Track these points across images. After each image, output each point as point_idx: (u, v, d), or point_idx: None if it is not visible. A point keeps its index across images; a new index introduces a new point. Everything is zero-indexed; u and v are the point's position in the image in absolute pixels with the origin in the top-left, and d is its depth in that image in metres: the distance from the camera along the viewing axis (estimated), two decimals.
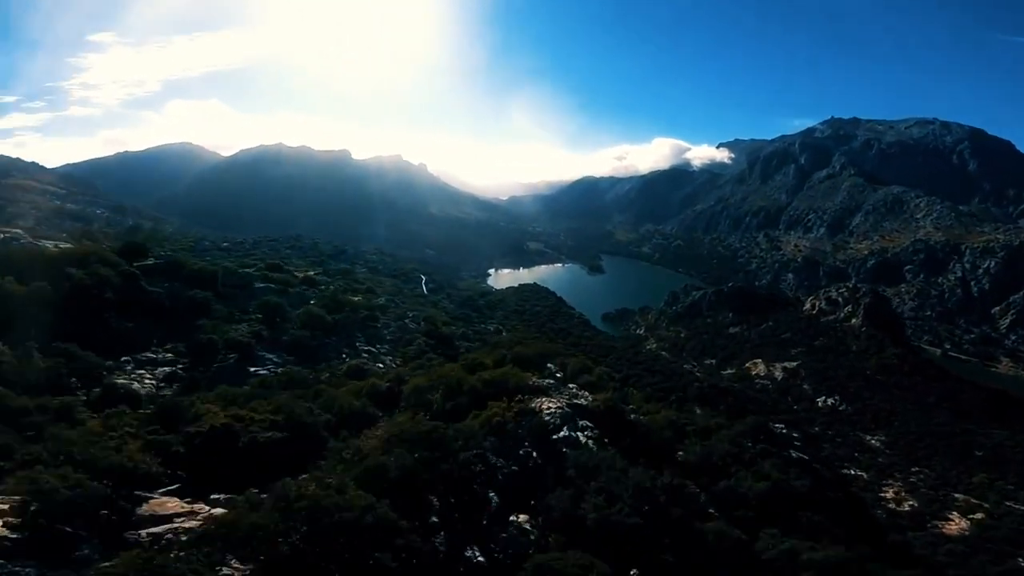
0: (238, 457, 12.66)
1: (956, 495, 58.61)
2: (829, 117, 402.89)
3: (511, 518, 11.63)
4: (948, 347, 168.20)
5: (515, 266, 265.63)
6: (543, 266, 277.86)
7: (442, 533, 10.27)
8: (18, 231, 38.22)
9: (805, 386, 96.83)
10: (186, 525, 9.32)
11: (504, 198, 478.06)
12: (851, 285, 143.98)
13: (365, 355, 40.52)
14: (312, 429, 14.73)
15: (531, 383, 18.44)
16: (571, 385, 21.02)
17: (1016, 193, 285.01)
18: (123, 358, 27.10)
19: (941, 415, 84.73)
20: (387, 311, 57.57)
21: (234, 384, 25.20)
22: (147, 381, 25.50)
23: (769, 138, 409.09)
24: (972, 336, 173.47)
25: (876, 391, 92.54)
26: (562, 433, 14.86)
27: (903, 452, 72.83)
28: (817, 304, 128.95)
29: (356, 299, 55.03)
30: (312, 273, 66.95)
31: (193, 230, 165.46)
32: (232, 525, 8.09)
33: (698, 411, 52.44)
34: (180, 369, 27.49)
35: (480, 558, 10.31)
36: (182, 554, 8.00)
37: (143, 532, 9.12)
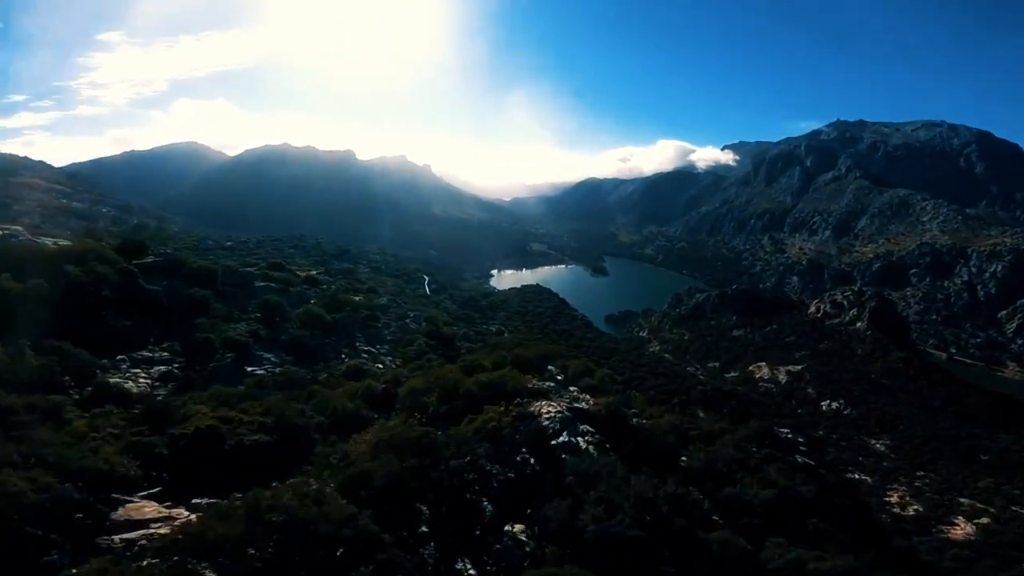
0: (224, 460, 12.23)
1: (961, 500, 58.14)
2: (835, 119, 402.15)
3: (506, 528, 11.12)
4: (954, 351, 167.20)
5: (518, 267, 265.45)
6: (546, 267, 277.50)
7: (432, 544, 9.76)
8: (17, 228, 37.93)
9: (809, 389, 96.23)
10: (162, 531, 8.90)
11: (507, 199, 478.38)
12: (856, 288, 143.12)
13: (365, 355, 40.12)
14: (303, 432, 14.29)
15: (530, 386, 17.93)
16: (572, 388, 20.50)
17: None
18: (119, 357, 26.73)
19: (946, 419, 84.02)
20: (388, 311, 57.17)
21: (230, 384, 24.81)
22: (142, 380, 25.11)
23: (774, 140, 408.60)
24: (978, 340, 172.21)
25: (881, 395, 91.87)
26: (561, 438, 14.28)
27: (908, 456, 72.24)
28: (822, 307, 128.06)
29: (357, 299, 54.66)
30: (314, 272, 66.70)
31: (198, 229, 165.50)
32: (198, 535, 7.65)
33: (701, 414, 51.93)
34: (176, 368, 27.10)
35: (471, 571, 9.83)
36: (154, 562, 7.57)
37: (116, 538, 8.72)
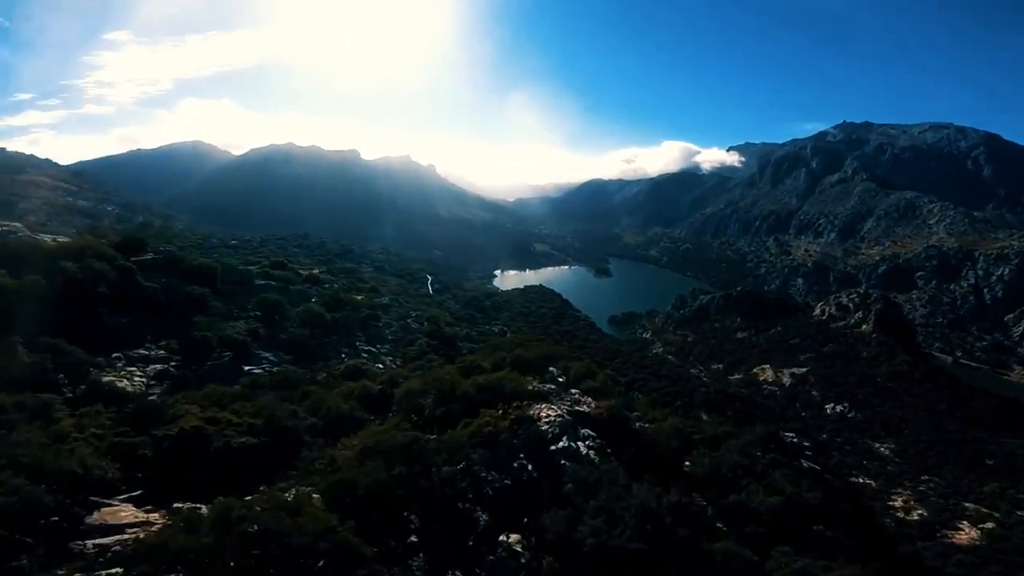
0: (210, 462, 11.82)
1: (967, 504, 57.68)
2: (841, 121, 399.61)
3: (501, 538, 10.61)
4: (959, 354, 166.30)
5: (521, 268, 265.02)
6: (549, 268, 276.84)
7: (421, 555, 9.29)
8: (16, 225, 37.69)
9: (814, 392, 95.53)
10: (140, 536, 8.46)
11: (511, 199, 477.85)
12: (862, 291, 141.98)
13: (365, 355, 39.74)
14: (293, 434, 13.87)
15: (530, 388, 17.45)
16: (573, 390, 20.01)
17: None
18: (114, 354, 26.41)
19: (952, 423, 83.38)
20: (390, 310, 56.81)
21: (226, 383, 24.46)
22: (137, 379, 24.76)
23: (780, 142, 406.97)
24: (984, 344, 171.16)
25: (886, 398, 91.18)
26: (561, 443, 13.76)
27: (913, 460, 71.68)
28: (827, 310, 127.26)
29: (359, 298, 54.29)
30: (316, 271, 66.39)
31: (203, 228, 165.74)
32: (160, 546, 7.21)
33: (705, 417, 51.43)
34: (172, 367, 26.75)
35: None
36: (118, 571, 7.15)
37: (90, 543, 8.32)
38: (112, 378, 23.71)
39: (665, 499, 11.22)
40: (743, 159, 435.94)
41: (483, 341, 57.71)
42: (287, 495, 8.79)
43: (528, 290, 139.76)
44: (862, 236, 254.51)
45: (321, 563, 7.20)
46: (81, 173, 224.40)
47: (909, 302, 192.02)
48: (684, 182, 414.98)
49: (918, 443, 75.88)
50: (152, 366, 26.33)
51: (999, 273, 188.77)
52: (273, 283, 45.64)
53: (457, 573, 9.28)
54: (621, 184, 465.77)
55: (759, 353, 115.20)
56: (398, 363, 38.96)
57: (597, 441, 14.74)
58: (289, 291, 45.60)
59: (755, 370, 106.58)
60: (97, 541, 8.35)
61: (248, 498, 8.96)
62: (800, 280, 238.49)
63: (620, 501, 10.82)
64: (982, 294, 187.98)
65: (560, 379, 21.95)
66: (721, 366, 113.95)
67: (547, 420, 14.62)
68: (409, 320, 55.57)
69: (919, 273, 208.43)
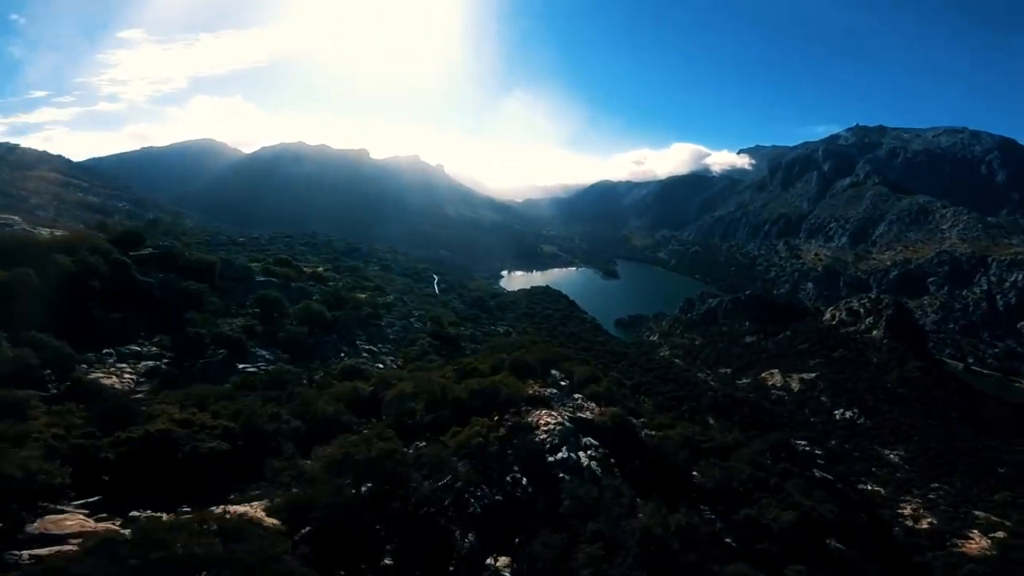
0: (177, 468, 10.97)
1: (977, 513, 56.71)
2: (854, 124, 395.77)
3: (488, 561, 9.60)
4: (971, 361, 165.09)
5: (528, 268, 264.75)
6: (557, 269, 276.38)
7: None
8: (14, 218, 37.10)
9: (823, 398, 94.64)
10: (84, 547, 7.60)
11: (520, 200, 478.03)
12: (873, 296, 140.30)
13: (365, 354, 38.92)
14: (272, 439, 13.01)
15: (530, 393, 16.47)
16: (576, 395, 19.03)
17: None
18: (105, 350, 25.66)
19: (962, 430, 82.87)
20: (392, 309, 56.02)
21: (217, 382, 23.70)
22: (127, 375, 23.97)
23: (791, 144, 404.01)
24: (996, 350, 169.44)
25: (896, 405, 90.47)
26: (560, 454, 12.70)
27: (922, 468, 70.91)
28: (837, 315, 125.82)
29: (361, 296, 53.53)
30: (321, 269, 65.72)
31: (212, 225, 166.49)
32: (58, 571, 6.35)
33: (712, 422, 50.40)
34: (164, 364, 25.96)
35: None
36: None
37: (26, 553, 7.48)
38: (100, 375, 22.96)
39: (672, 521, 10.18)
40: (753, 162, 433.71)
41: (487, 342, 56.84)
42: (231, 513, 7.86)
43: (534, 291, 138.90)
44: (873, 241, 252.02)
45: None
46: (93, 170, 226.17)
47: (920, 308, 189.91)
48: (693, 184, 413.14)
49: (928, 450, 75.27)
50: (143, 363, 25.54)
51: (1012, 279, 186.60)
52: (274, 280, 44.87)
53: None
54: (630, 186, 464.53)
55: (768, 358, 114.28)
56: (399, 363, 38.12)
57: (600, 451, 13.73)
58: (290, 288, 44.78)
59: (763, 375, 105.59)
60: (35, 552, 7.53)
61: (187, 515, 8.08)
62: (810, 284, 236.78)
63: (622, 523, 9.78)
64: (995, 300, 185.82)
65: (563, 383, 20.99)
66: (729, 370, 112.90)
67: (546, 428, 13.62)
68: (412, 319, 54.77)
69: (931, 279, 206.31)
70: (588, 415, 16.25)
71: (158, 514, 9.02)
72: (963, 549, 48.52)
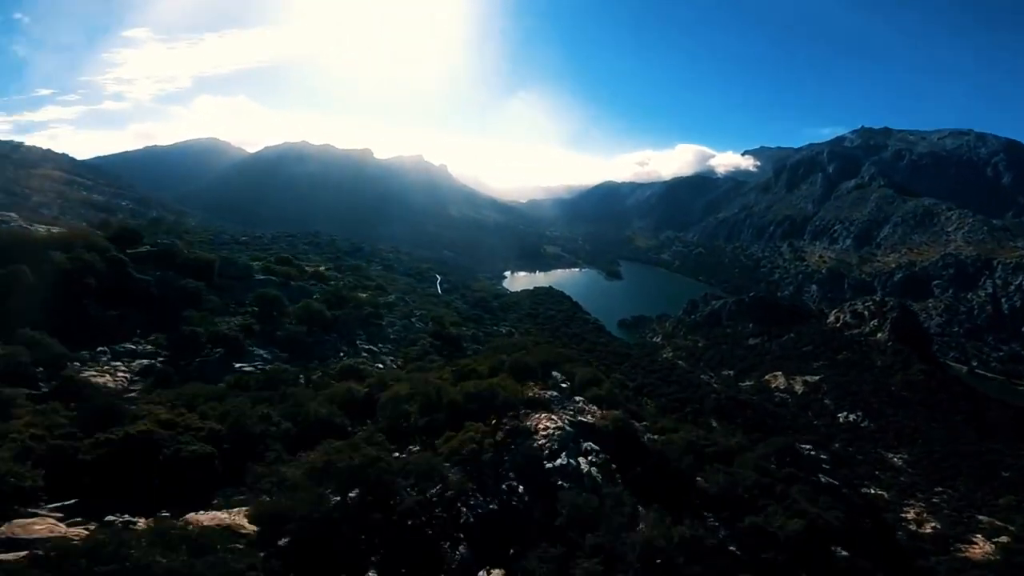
0: (159, 471, 10.55)
1: (981, 517, 56.52)
2: (859, 126, 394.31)
3: (481, 574, 9.08)
4: (975, 364, 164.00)
5: (531, 269, 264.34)
6: (560, 270, 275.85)
7: None
8: (11, 215, 36.85)
9: (826, 401, 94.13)
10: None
11: (523, 201, 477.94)
12: (878, 299, 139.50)
13: (365, 354, 38.51)
14: (260, 441, 12.58)
15: (530, 395, 15.98)
16: (578, 398, 18.51)
17: None
18: (99, 348, 25.32)
19: (967, 434, 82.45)
20: (394, 309, 55.59)
21: (212, 381, 23.34)
22: (120, 374, 23.61)
23: (796, 146, 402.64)
24: (1001, 354, 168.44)
25: (900, 408, 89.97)
26: (559, 460, 12.17)
27: (926, 471, 70.67)
28: (842, 317, 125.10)
29: (363, 296, 53.14)
30: (323, 268, 65.35)
31: (216, 224, 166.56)
32: None
33: (715, 424, 49.90)
34: (159, 362, 25.60)
35: None
36: None
37: None
38: (93, 373, 22.62)
39: (675, 532, 9.67)
40: (758, 163, 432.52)
41: (489, 342, 56.40)
42: (194, 524, 7.41)
43: (537, 292, 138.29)
44: (878, 243, 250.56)
45: None
46: (97, 168, 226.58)
47: (925, 311, 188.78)
48: (698, 186, 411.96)
49: (932, 454, 74.86)
50: (138, 361, 25.18)
51: (1018, 282, 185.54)
52: (273, 278, 44.52)
53: None
54: (634, 187, 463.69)
55: (771, 360, 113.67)
56: (399, 363, 37.73)
57: (601, 456, 13.21)
58: (290, 287, 44.43)
59: (767, 377, 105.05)
60: (1, 556, 7.12)
61: (148, 523, 7.64)
62: (814, 287, 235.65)
63: (622, 535, 9.26)
64: (1000, 304, 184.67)
65: (564, 385, 20.50)
66: (732, 372, 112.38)
67: (545, 433, 13.13)
68: (413, 319, 54.34)
69: (936, 281, 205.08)
70: (589, 419, 15.76)
71: (135, 519, 8.62)
72: (967, 554, 48.17)
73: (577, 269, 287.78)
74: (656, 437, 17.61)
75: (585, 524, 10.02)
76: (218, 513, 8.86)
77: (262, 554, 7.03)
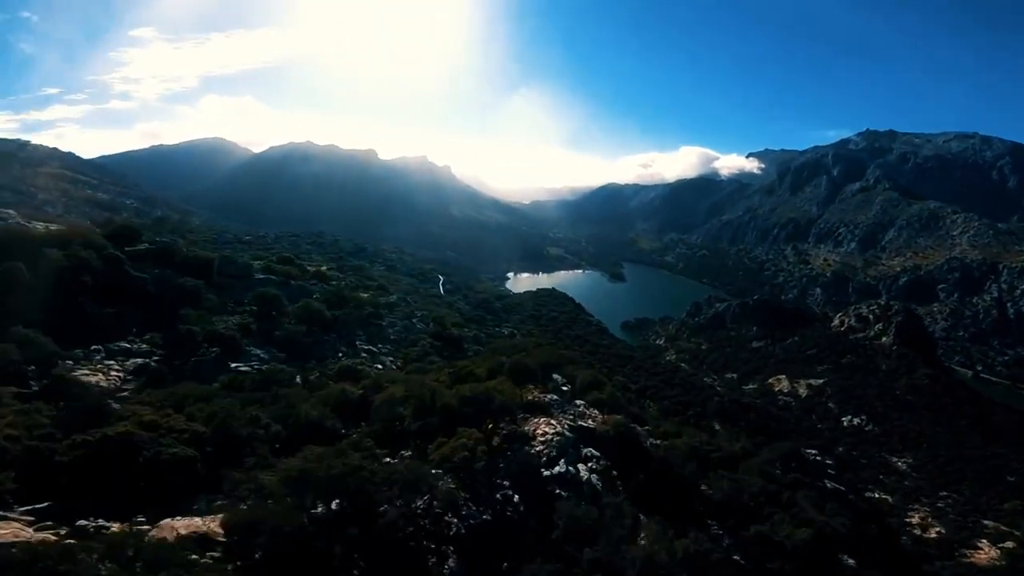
0: (138, 474, 10.13)
1: (986, 522, 56.37)
2: (864, 129, 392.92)
3: None
4: (980, 368, 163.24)
5: (534, 271, 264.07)
6: (563, 272, 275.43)
7: None
8: (10, 212, 36.64)
9: (830, 404, 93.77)
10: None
11: (527, 202, 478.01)
12: (883, 302, 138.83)
13: (365, 355, 38.07)
14: (246, 444, 12.15)
15: (529, 399, 15.51)
16: (579, 402, 18.02)
17: None
18: (93, 347, 24.94)
19: (971, 438, 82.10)
20: (395, 309, 55.16)
21: (207, 381, 22.95)
22: (113, 373, 23.22)
23: (800, 148, 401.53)
24: (1006, 358, 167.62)
25: (905, 412, 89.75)
26: (557, 468, 11.66)
27: (931, 476, 70.52)
28: (846, 321, 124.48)
29: (363, 295, 52.74)
30: (325, 268, 64.96)
31: (220, 224, 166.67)
32: None
33: (718, 428, 49.38)
34: (154, 362, 25.22)
35: None
36: None
37: None
38: (85, 372, 22.24)
39: (679, 546, 9.15)
40: (762, 166, 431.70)
41: (490, 343, 55.96)
42: (153, 537, 6.97)
43: (540, 293, 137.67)
44: (883, 246, 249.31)
45: None
46: (103, 167, 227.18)
47: (930, 315, 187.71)
48: (702, 188, 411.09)
49: (936, 458, 74.67)
50: (132, 360, 24.78)
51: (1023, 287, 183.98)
52: (273, 277, 44.13)
53: None
54: (637, 189, 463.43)
55: (775, 363, 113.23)
56: (399, 364, 37.31)
57: (602, 463, 12.71)
58: (290, 286, 44.03)
59: (770, 380, 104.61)
60: None
61: (122, 528, 7.19)
62: (818, 290, 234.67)
63: (622, 548, 8.75)
64: (1005, 308, 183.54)
65: (565, 388, 20.03)
66: (735, 375, 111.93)
67: (543, 439, 12.64)
68: (414, 320, 53.90)
69: (941, 285, 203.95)
70: (590, 423, 15.27)
71: (109, 523, 8.21)
72: (972, 559, 47.87)
73: (580, 271, 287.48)
74: (659, 442, 17.13)
75: (583, 537, 9.48)
76: (195, 519, 8.46)
77: (230, 567, 6.61)
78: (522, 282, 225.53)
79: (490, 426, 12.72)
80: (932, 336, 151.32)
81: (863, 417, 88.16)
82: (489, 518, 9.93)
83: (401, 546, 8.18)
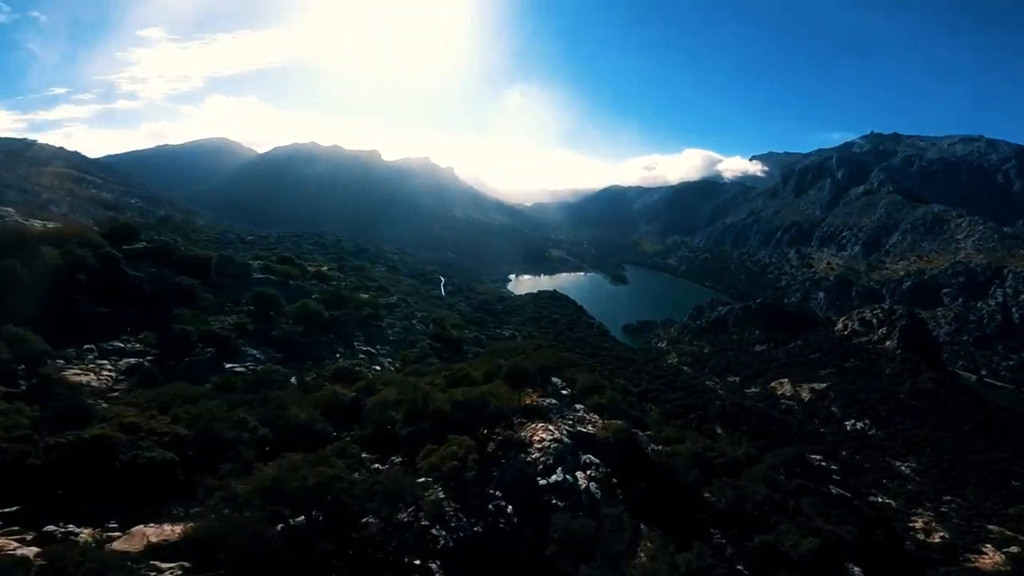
0: (115, 478, 9.72)
1: (990, 527, 55.79)
2: (869, 132, 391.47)
3: None
4: (984, 373, 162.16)
5: (536, 272, 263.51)
6: (565, 274, 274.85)
7: None
8: (8, 209, 36.37)
9: (833, 408, 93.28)
10: None
11: (529, 204, 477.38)
12: (886, 306, 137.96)
13: (363, 356, 37.68)
14: (231, 447, 11.73)
15: (527, 403, 15.03)
16: (578, 406, 17.52)
17: None
18: (86, 346, 24.57)
19: (975, 442, 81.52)
20: (394, 310, 54.78)
21: (200, 381, 22.57)
22: (105, 373, 22.85)
23: (804, 151, 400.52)
24: (1010, 363, 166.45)
25: (908, 416, 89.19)
26: (554, 476, 11.14)
27: (934, 480, 69.93)
28: (850, 324, 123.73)
29: (363, 296, 52.35)
30: (325, 268, 64.67)
31: (224, 223, 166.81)
32: None
33: (719, 431, 48.91)
34: (147, 362, 24.83)
35: None
36: None
37: None
38: (77, 371, 21.87)
39: (681, 561, 8.66)
40: (766, 168, 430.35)
41: (490, 345, 55.53)
42: (92, 550, 6.56)
43: (542, 295, 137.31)
44: (887, 250, 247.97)
45: None
46: (108, 167, 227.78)
47: (934, 319, 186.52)
48: (705, 191, 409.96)
49: (940, 462, 74.10)
50: (125, 360, 24.40)
51: None
52: (272, 277, 43.75)
53: None
54: (640, 191, 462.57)
55: (778, 367, 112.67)
56: (397, 365, 36.89)
57: (601, 471, 12.22)
58: (288, 286, 43.65)
59: (773, 384, 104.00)
60: None
61: (92, 533, 6.75)
62: (822, 294, 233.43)
63: (621, 564, 8.27)
64: (1010, 312, 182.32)
65: (564, 392, 19.54)
66: (738, 379, 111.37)
67: (540, 446, 12.15)
68: (414, 321, 53.50)
69: (945, 290, 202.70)
70: (590, 428, 14.79)
71: (79, 529, 7.80)
72: (976, 564, 47.31)
73: (582, 273, 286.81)
74: (660, 448, 16.64)
75: (579, 552, 8.93)
76: (168, 526, 8.04)
77: None
78: (524, 284, 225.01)
79: (484, 432, 12.23)
80: (936, 340, 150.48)
81: (866, 421, 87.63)
82: (480, 530, 9.41)
83: (382, 561, 7.71)
